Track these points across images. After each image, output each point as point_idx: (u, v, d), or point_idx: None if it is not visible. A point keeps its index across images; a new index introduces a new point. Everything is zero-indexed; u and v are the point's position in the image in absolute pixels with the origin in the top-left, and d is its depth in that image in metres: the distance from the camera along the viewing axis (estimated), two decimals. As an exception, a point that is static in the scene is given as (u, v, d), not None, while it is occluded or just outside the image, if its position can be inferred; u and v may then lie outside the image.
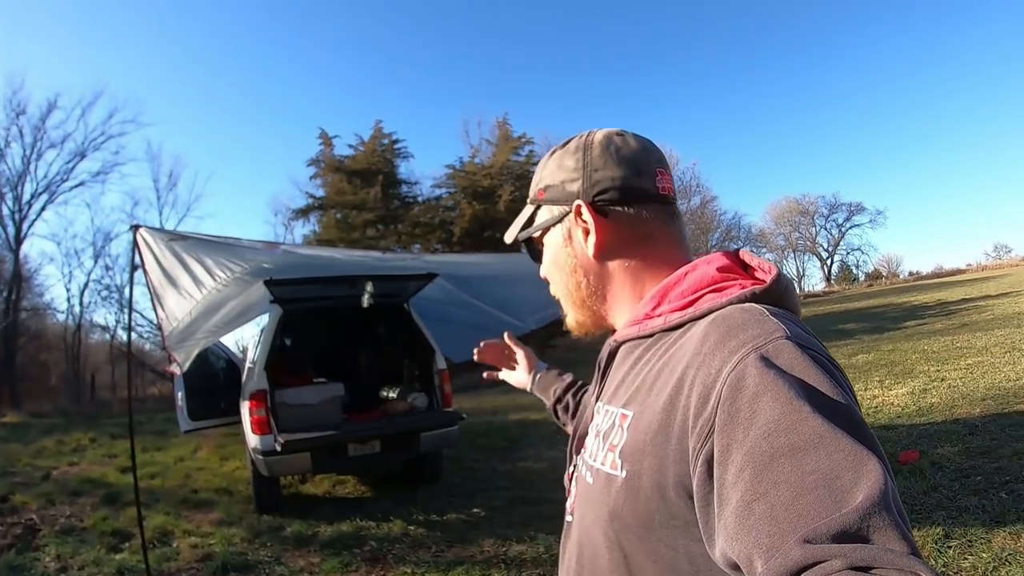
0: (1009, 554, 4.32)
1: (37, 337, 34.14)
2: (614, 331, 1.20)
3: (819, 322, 27.19)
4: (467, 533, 6.31)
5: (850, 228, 74.59)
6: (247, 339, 12.68)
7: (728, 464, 0.76)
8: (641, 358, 1.05)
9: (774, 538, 0.66)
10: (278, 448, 6.56)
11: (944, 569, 4.26)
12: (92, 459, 11.98)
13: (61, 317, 35.43)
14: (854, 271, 75.80)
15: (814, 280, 76.29)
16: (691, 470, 0.82)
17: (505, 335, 2.10)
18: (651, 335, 1.06)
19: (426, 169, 67.54)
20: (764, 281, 0.98)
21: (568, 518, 1.18)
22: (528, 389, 2.00)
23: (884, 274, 71.80)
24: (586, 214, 1.12)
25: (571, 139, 1.20)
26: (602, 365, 1.19)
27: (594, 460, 1.04)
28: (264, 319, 7.86)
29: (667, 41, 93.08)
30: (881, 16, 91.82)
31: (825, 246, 76.00)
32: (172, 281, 4.93)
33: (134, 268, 4.70)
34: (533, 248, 1.29)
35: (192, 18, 66.38)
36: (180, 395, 9.07)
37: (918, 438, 7.40)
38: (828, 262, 75.96)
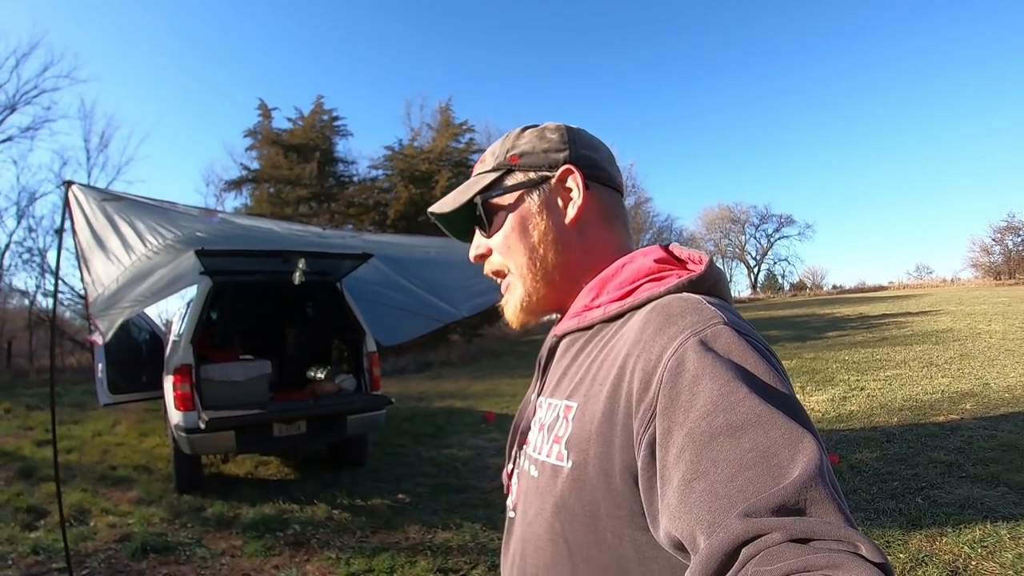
0: (925, 555, 4.55)
1: None
2: (554, 323, 1.22)
3: (744, 327, 27.67)
4: (392, 519, 6.21)
5: (779, 239, 76.21)
6: (172, 311, 12.41)
7: (669, 446, 0.77)
8: (583, 350, 1.06)
9: (715, 514, 0.67)
10: (202, 426, 6.36)
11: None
12: (6, 431, 11.70)
13: (-22, 280, 34.33)
14: (780, 280, 77.42)
15: (740, 287, 77.59)
16: (635, 454, 0.84)
17: None
18: (591, 327, 1.08)
19: (364, 149, 67.23)
20: (697, 271, 1.01)
21: (511, 514, 1.18)
22: None
23: (808, 285, 73.35)
24: (577, 177, 1.12)
25: (539, 124, 1.21)
26: (543, 361, 1.19)
27: (538, 453, 1.04)
28: (191, 291, 7.65)
29: (615, 42, 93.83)
30: (818, 34, 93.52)
31: (753, 254, 77.52)
32: (101, 244, 4.74)
33: (62, 228, 4.47)
34: (482, 216, 1.21)
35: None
36: (100, 367, 8.90)
37: (837, 443, 7.66)
38: (755, 270, 77.40)
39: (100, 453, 9.45)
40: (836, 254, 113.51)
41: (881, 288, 59.35)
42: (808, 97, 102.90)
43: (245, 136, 31.12)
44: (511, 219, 1.17)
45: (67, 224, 4.72)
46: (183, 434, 6.47)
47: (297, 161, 28.92)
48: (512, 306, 1.20)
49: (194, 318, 7.00)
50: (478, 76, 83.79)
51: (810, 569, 0.57)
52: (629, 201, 57.59)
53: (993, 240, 48.10)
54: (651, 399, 0.82)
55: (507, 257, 1.19)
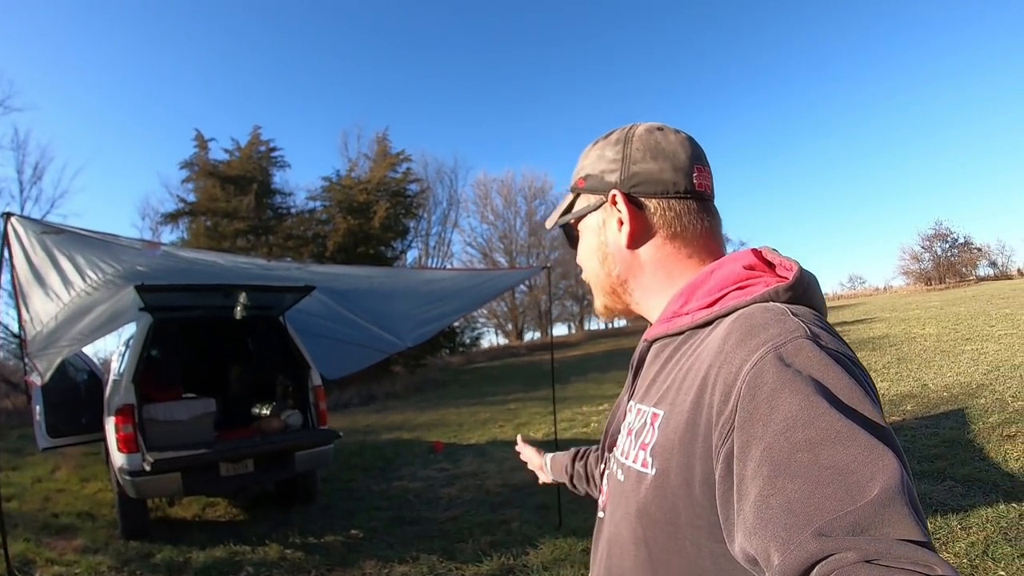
0: None
1: None
2: (647, 323, 1.23)
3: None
4: (347, 556, 6.12)
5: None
6: (110, 350, 12.17)
7: (747, 460, 0.77)
8: (672, 357, 1.07)
9: (790, 531, 0.66)
10: (147, 468, 6.18)
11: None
12: (-63, 480, 11.21)
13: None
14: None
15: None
16: (714, 466, 0.84)
17: (518, 439, 2.21)
18: (680, 333, 1.08)
19: (302, 180, 66.96)
20: (786, 279, 1.00)
21: (600, 514, 1.21)
22: (548, 479, 2.01)
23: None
24: (621, 204, 1.15)
25: (614, 131, 1.23)
26: (635, 365, 1.21)
27: (626, 458, 1.06)
28: (130, 328, 7.49)
29: (550, 62, 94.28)
30: (741, 49, 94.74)
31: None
32: (40, 279, 4.63)
33: (13, 268, 4.35)
34: (570, 234, 1.32)
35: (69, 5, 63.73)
36: (38, 409, 8.63)
37: None
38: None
39: (41, 500, 9.17)
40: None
41: (816, 299, 60.78)
42: (734, 113, 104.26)
43: (181, 168, 30.92)
44: (582, 242, 1.28)
45: (4, 258, 4.59)
46: (128, 477, 6.28)
47: (234, 193, 28.76)
48: (596, 304, 1.31)
49: (135, 356, 6.81)
50: (415, 104, 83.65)
51: None
52: None
53: (922, 248, 49.30)
54: (730, 412, 0.82)
55: (585, 272, 1.29)
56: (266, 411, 8.00)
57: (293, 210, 31.03)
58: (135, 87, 65.23)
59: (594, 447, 1.80)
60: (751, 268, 1.05)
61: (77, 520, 7.90)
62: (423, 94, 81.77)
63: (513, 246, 55.88)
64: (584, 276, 1.30)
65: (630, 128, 1.20)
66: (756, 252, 1.10)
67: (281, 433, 7.55)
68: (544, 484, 2.10)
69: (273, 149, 30.82)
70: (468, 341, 41.59)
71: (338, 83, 74.84)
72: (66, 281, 4.67)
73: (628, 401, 1.17)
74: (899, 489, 0.65)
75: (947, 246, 48.29)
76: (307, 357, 7.75)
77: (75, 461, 11.56)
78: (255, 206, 28.60)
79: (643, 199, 1.15)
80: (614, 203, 1.16)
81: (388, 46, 77.65)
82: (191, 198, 30.33)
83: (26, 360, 6.05)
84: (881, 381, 11.95)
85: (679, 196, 1.15)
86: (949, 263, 47.82)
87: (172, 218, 30.79)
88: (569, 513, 6.61)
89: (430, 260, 45.28)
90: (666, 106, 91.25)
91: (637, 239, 1.16)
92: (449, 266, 47.89)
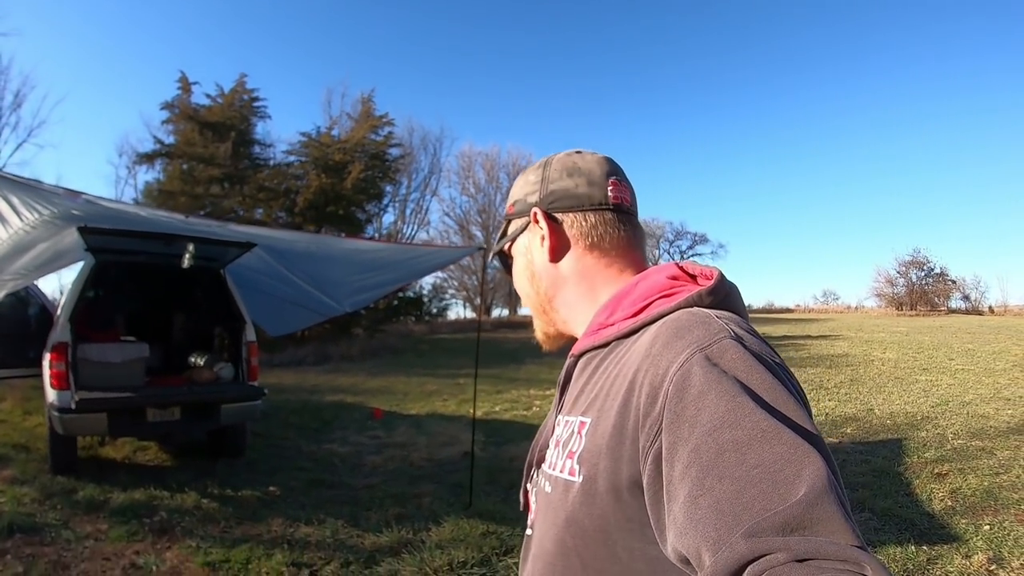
0: None
1: None
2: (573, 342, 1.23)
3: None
4: (259, 511, 6.29)
5: (692, 256, 75.90)
6: (65, 287, 12.23)
7: (675, 461, 0.77)
8: (598, 368, 1.07)
9: (720, 531, 0.67)
10: (73, 406, 6.35)
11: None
12: None
13: None
14: (689, 297, 78.92)
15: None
16: (641, 468, 0.84)
17: None
18: (606, 344, 1.08)
19: (283, 133, 66.10)
20: (700, 286, 1.03)
21: (528, 532, 1.18)
22: None
23: (717, 303, 75.14)
24: (541, 220, 1.19)
25: (534, 164, 1.29)
26: (562, 381, 1.19)
27: (552, 469, 1.05)
28: (76, 268, 7.58)
29: (543, 49, 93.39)
30: (730, 57, 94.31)
31: (666, 272, 78.26)
32: None
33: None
34: (506, 262, 1.35)
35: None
36: None
37: None
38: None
39: None
40: (747, 274, 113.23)
41: (788, 311, 60.32)
42: (724, 118, 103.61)
43: (162, 108, 30.21)
44: (515, 266, 1.31)
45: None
46: (56, 413, 6.43)
47: (212, 139, 28.41)
48: (538, 333, 1.33)
49: (74, 295, 6.98)
50: (405, 69, 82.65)
51: None
52: None
53: (898, 272, 49.09)
54: (658, 413, 0.83)
55: (523, 297, 1.31)
56: (200, 362, 8.12)
57: (271, 162, 30.77)
58: (124, 20, 64.30)
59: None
60: (675, 279, 1.09)
61: (12, 452, 8.08)
62: (415, 60, 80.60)
63: (491, 221, 54.69)
64: (524, 303, 1.33)
65: (551, 156, 1.27)
66: (678, 265, 1.14)
67: (210, 385, 7.68)
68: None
69: (256, 99, 30.44)
70: (435, 311, 41.53)
71: (330, 38, 73.95)
72: (2, 219, 4.78)
73: (556, 415, 1.17)
74: (826, 488, 0.67)
75: (923, 274, 48.38)
76: (244, 312, 7.86)
77: (21, 394, 11.72)
78: (232, 154, 28.31)
79: (559, 214, 1.20)
80: (536, 220, 1.20)
81: (384, 7, 77.04)
82: (169, 140, 29.93)
83: None
84: (828, 400, 12.03)
85: (595, 208, 1.20)
86: (922, 291, 47.86)
87: (148, 158, 30.37)
88: (482, 496, 6.73)
89: (406, 226, 44.53)
90: (659, 104, 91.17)
91: (558, 252, 1.20)
92: (425, 234, 48.15)
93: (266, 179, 29.46)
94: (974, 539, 5.34)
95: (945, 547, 5.20)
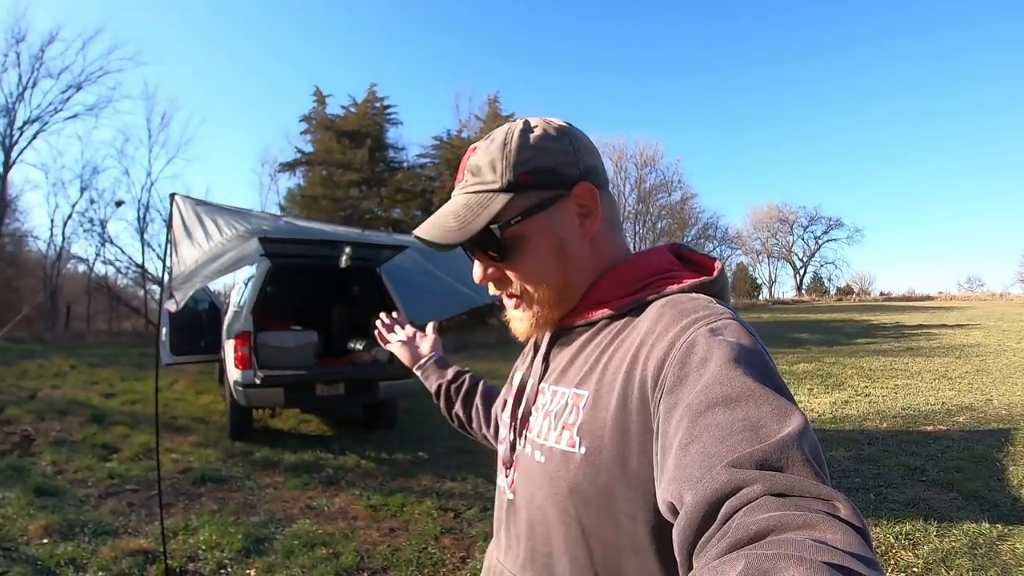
0: None
1: (14, 264, 34.04)
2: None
3: (775, 329, 27.76)
4: (410, 470, 7.18)
5: (827, 241, 75.03)
6: (230, 285, 13.54)
7: (671, 419, 0.81)
8: (590, 341, 1.08)
9: (703, 470, 0.70)
10: (257, 381, 7.51)
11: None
12: (74, 384, 12.84)
13: (42, 246, 35.58)
14: (826, 284, 76.39)
15: (785, 288, 76.64)
16: (654, 437, 0.87)
17: (430, 326, 2.07)
18: (597, 321, 1.09)
19: (413, 135, 67.48)
20: (710, 274, 1.07)
21: (509, 496, 1.17)
22: (414, 366, 1.93)
23: (855, 291, 72.30)
24: (591, 198, 1.11)
25: (529, 123, 1.14)
26: (543, 347, 1.18)
27: (544, 439, 1.06)
28: (250, 269, 8.71)
29: (666, 37, 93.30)
30: (880, 34, 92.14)
31: (800, 256, 76.44)
32: (189, 234, 5.72)
33: (170, 226, 5.55)
34: (504, 241, 1.10)
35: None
36: (165, 331, 10.01)
37: (820, 441, 8.06)
38: (801, 272, 76.38)
39: (162, 406, 10.23)
40: (888, 260, 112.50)
41: (928, 298, 58.23)
42: (865, 99, 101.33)
43: (300, 121, 32.12)
44: (529, 245, 1.11)
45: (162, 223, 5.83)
46: (240, 388, 7.61)
47: (349, 146, 29.76)
48: (524, 324, 1.17)
49: (255, 292, 8.12)
50: (529, 69, 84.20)
51: (786, 526, 0.57)
52: (675, 197, 55.72)
53: (1047, 258, 46.40)
54: (662, 381, 0.86)
55: (528, 282, 1.13)
56: (359, 346, 9.18)
57: (405, 164, 31.68)
58: (260, 43, 67.86)
59: (469, 374, 1.83)
60: (672, 262, 1.13)
61: (192, 423, 9.29)
62: (539, 58, 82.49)
63: (621, 212, 53.81)
64: (516, 288, 1.15)
65: (551, 121, 1.14)
66: (673, 248, 1.18)
67: (370, 365, 8.70)
68: (385, 343, 2.08)
69: (387, 107, 31.59)
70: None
71: (456, 44, 76.13)
72: (208, 235, 5.68)
73: (539, 383, 1.15)
74: (804, 437, 0.70)
75: (1073, 259, 45.64)
76: (398, 303, 8.76)
77: (191, 377, 13.16)
78: (368, 159, 29.52)
79: (600, 191, 1.12)
80: (579, 196, 1.10)
81: (506, 8, 78.24)
82: (308, 149, 31.52)
83: (168, 291, 7.35)
84: (948, 390, 11.80)
85: (607, 187, 1.17)
86: (1072, 278, 44.45)
87: (290, 166, 32.34)
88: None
89: None
90: (792, 85, 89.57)
91: (597, 232, 1.13)
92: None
93: (402, 181, 30.45)
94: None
95: (1020, 528, 5.23)
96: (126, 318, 33.87)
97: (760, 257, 76.44)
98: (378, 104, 31.53)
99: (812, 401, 11.14)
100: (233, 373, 7.82)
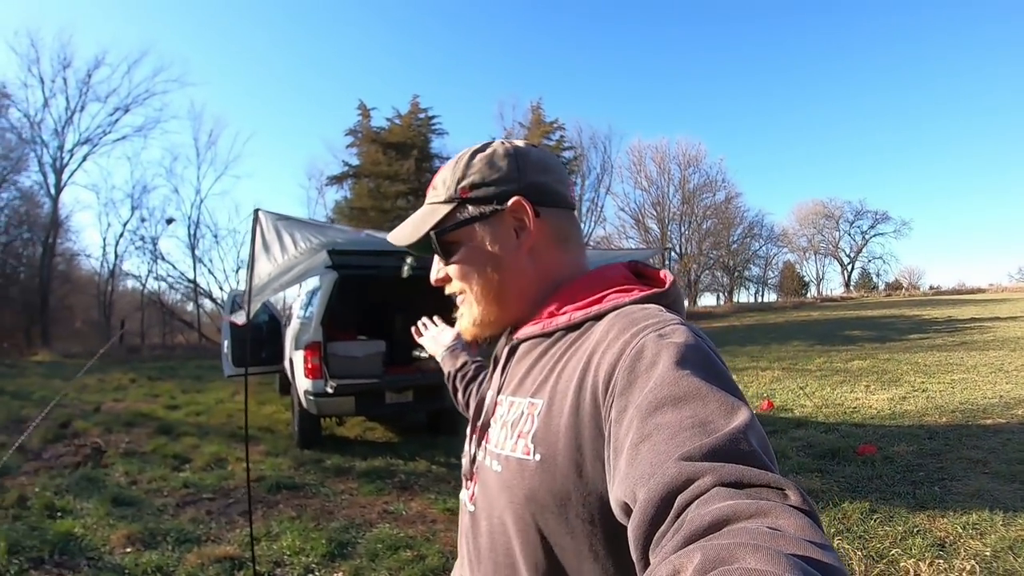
0: (919, 530, 5.08)
1: (67, 281, 34.99)
2: (512, 331, 1.25)
3: (826, 327, 27.63)
4: (481, 473, 7.26)
5: (874, 236, 74.58)
6: (291, 297, 13.73)
7: (622, 421, 0.82)
8: (545, 353, 1.11)
9: (655, 467, 0.69)
10: (330, 391, 7.64)
11: (864, 533, 5.08)
12: (135, 397, 13.19)
13: (95, 264, 36.27)
14: (874, 279, 76.05)
15: (833, 284, 76.29)
16: (605, 441, 0.88)
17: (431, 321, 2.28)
18: (552, 332, 1.12)
19: (459, 144, 68.64)
20: (662, 287, 1.10)
21: (470, 508, 1.20)
22: (439, 354, 2.05)
23: (904, 285, 71.87)
24: (524, 213, 1.16)
25: (489, 145, 1.23)
26: (501, 361, 1.23)
27: (501, 449, 1.08)
28: (315, 281, 8.88)
29: (703, 39, 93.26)
30: (923, 25, 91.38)
31: (847, 251, 76.06)
32: (267, 248, 5.84)
33: (253, 241, 5.66)
34: (442, 245, 1.22)
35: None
36: (226, 343, 10.51)
37: (882, 437, 8.07)
38: (849, 268, 76.14)
39: (225, 416, 10.82)
40: (936, 253, 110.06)
41: (979, 291, 57.87)
42: (905, 90, 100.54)
43: (346, 135, 32.81)
44: (465, 251, 1.20)
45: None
46: (311, 397, 7.76)
47: (396, 158, 30.20)
48: (465, 322, 1.25)
49: (323, 304, 8.24)
50: (571, 75, 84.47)
51: (740, 515, 0.58)
52: (719, 196, 56.27)
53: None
54: (612, 386, 0.88)
55: (464, 283, 1.22)
56: (425, 354, 9.23)
57: (451, 174, 31.99)
58: (301, 59, 69.23)
59: (476, 363, 1.90)
60: (627, 278, 1.17)
61: (258, 433, 9.39)
62: (579, 63, 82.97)
63: (665, 213, 55.17)
64: (456, 288, 1.25)
65: (509, 143, 1.22)
66: (628, 265, 1.22)
67: (437, 372, 8.78)
68: (420, 339, 2.24)
69: (431, 118, 32.05)
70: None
71: (497, 53, 76.61)
72: (284, 249, 5.81)
73: (497, 395, 1.19)
74: (751, 429, 0.71)
75: None
76: None
77: (252, 388, 12.94)
78: (415, 170, 29.91)
79: (540, 207, 1.17)
80: (514, 211, 1.16)
81: (544, 16, 78.68)
82: (354, 162, 32.12)
83: (236, 304, 7.51)
84: (1005, 383, 11.62)
85: (563, 207, 1.22)
86: None
87: (338, 179, 32.97)
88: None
89: (584, 224, 43.99)
90: (835, 79, 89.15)
91: (535, 246, 1.18)
92: (602, 230, 49.13)
93: (451, 190, 30.67)
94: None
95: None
96: (179, 332, 34.50)
97: (807, 254, 76.27)
98: (422, 115, 32.02)
99: (870, 398, 11.03)
100: (304, 383, 7.96)
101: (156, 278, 35.40)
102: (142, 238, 35.01)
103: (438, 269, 1.27)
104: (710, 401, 0.75)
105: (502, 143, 1.21)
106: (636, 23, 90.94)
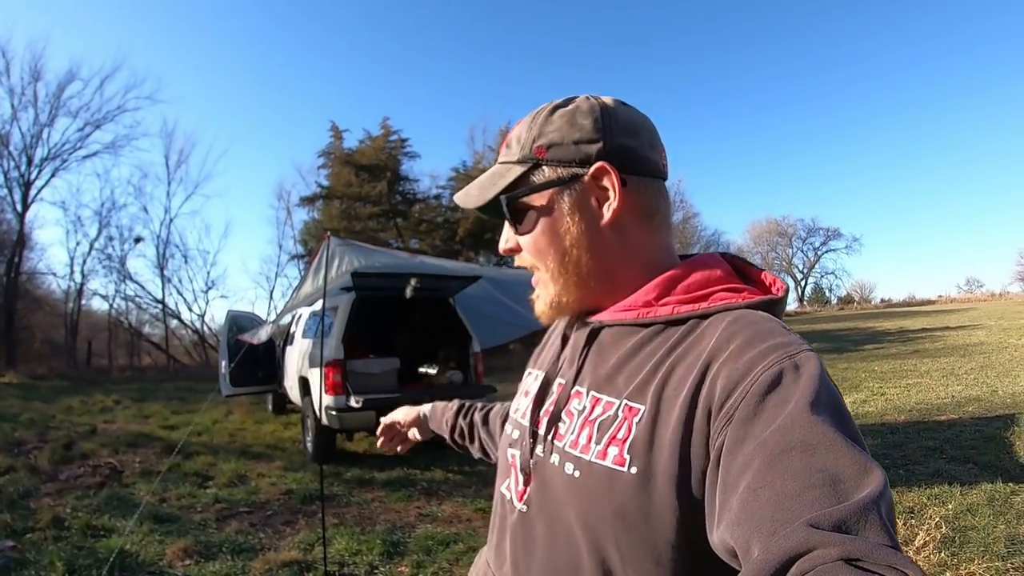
0: None
1: (33, 300, 33.98)
2: (588, 313, 1.14)
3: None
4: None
5: (826, 252, 76.38)
6: (285, 319, 14.02)
7: (739, 453, 0.77)
8: (642, 347, 1.00)
9: (776, 524, 0.66)
10: (356, 405, 7.93)
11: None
12: (126, 418, 13.17)
13: (61, 283, 35.80)
14: (827, 294, 77.42)
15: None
16: (709, 460, 0.83)
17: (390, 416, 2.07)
18: (649, 324, 1.02)
19: (425, 166, 69.04)
20: (775, 294, 1.01)
21: (521, 507, 1.08)
22: (422, 435, 1.99)
23: (856, 299, 73.28)
24: (609, 180, 1.04)
25: (572, 100, 1.10)
26: (580, 345, 1.11)
27: (582, 452, 0.97)
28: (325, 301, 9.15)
29: (666, 58, 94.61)
30: (869, 41, 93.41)
31: (800, 268, 77.51)
32: (316, 273, 6.12)
33: (327, 264, 5.90)
34: (514, 211, 1.12)
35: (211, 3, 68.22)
36: (224, 363, 10.70)
37: None
38: (802, 283, 77.46)
39: (227, 436, 10.92)
40: (886, 267, 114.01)
41: (929, 302, 59.42)
42: (853, 108, 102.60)
43: (319, 156, 33.06)
44: (541, 221, 1.09)
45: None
46: (333, 413, 8.06)
47: (367, 180, 30.50)
48: (542, 303, 1.14)
49: (342, 323, 8.57)
50: (540, 96, 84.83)
51: None
52: (677, 216, 56.27)
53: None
54: (731, 406, 0.81)
55: (537, 258, 1.12)
56: (432, 371, 9.66)
57: (420, 195, 32.57)
58: (272, 83, 69.60)
59: (480, 404, 1.82)
60: (728, 273, 1.06)
61: (268, 450, 9.63)
62: (550, 88, 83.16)
63: None
64: (528, 262, 1.15)
65: (596, 98, 1.09)
66: (728, 257, 1.13)
67: (448, 386, 9.18)
68: (410, 445, 2.05)
69: (403, 140, 32.28)
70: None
71: (469, 75, 77.22)
72: (325, 271, 6.10)
73: (573, 385, 1.07)
74: (883, 498, 0.66)
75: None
76: (470, 330, 9.29)
77: (245, 408, 13.63)
78: (387, 192, 30.33)
79: (628, 175, 1.05)
80: (597, 177, 1.04)
81: (516, 41, 79.47)
82: (326, 183, 32.37)
83: (239, 325, 7.79)
84: (956, 385, 12.62)
85: (654, 176, 1.10)
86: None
87: (310, 200, 33.08)
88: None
89: None
90: (786, 95, 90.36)
91: (619, 219, 1.06)
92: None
93: (422, 212, 31.45)
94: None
95: (1027, 485, 6.19)
96: (147, 353, 34.24)
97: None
98: (394, 137, 32.31)
99: (831, 403, 11.75)
100: (325, 399, 8.18)
101: (124, 298, 34.97)
102: (109, 257, 34.65)
103: (507, 238, 1.17)
104: (843, 455, 0.71)
105: (587, 98, 1.09)
106: (599, 44, 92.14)
